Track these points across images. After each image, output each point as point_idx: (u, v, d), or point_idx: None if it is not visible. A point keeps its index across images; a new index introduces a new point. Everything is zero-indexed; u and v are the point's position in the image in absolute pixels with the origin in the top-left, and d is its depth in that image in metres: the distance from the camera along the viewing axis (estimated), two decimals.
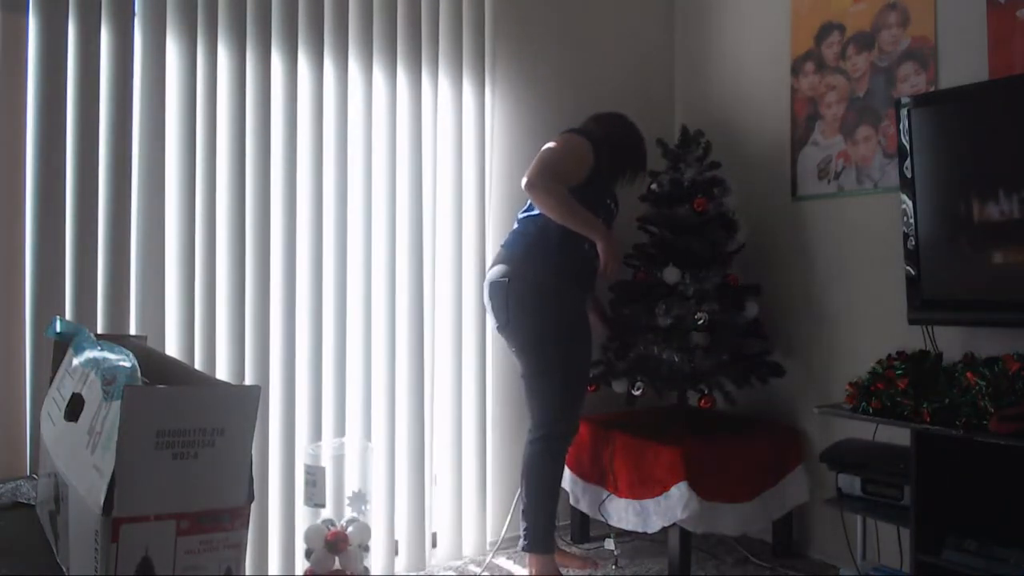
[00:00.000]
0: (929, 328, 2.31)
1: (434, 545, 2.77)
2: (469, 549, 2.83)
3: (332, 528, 2.26)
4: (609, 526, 2.73)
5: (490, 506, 2.88)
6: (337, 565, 2.23)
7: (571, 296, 2.55)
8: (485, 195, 2.87)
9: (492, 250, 2.88)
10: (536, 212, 2.53)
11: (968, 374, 1.99)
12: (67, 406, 0.97)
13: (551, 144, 2.55)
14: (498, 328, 2.58)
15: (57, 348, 1.15)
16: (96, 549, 0.77)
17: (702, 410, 2.70)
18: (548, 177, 2.45)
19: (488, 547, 2.84)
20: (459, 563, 2.78)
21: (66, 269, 2.12)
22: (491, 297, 2.56)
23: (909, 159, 2.28)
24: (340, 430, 2.54)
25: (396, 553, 2.66)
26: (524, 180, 2.44)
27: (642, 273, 2.81)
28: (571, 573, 2.69)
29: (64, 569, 0.89)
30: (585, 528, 2.98)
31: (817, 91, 2.83)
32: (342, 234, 2.55)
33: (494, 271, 2.56)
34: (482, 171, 2.86)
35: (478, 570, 2.73)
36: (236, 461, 0.84)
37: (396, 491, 2.64)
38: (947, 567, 2.02)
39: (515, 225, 2.63)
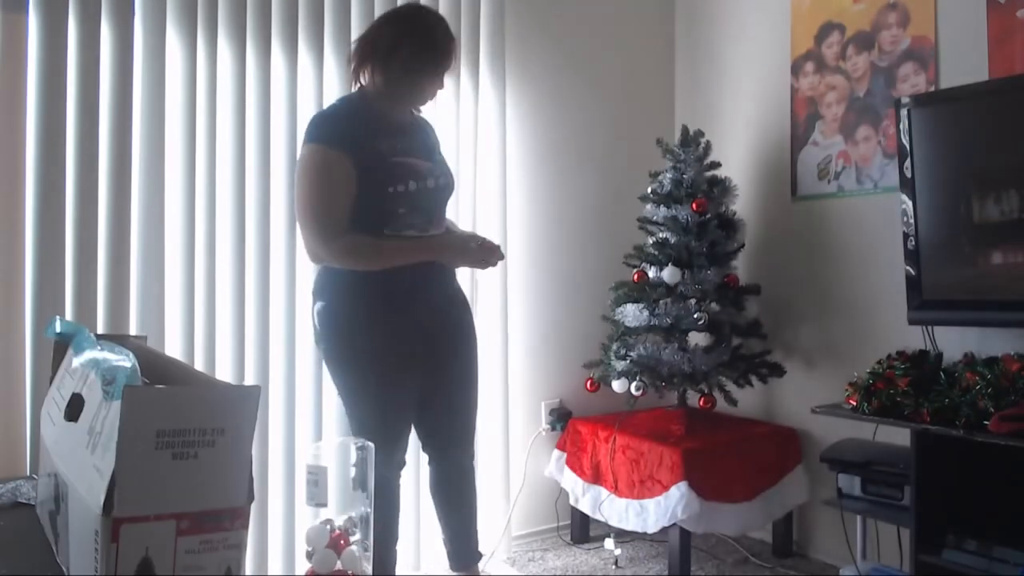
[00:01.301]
0: (929, 328, 2.31)
1: (420, 548, 2.77)
2: None
3: (334, 530, 2.26)
4: (609, 526, 2.73)
5: (486, 506, 2.88)
6: (339, 565, 2.23)
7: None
8: (487, 195, 2.86)
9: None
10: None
11: (968, 374, 1.99)
12: (67, 406, 0.97)
13: (298, 173, 1.94)
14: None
15: (57, 348, 1.14)
16: (96, 549, 0.77)
17: (702, 410, 2.70)
18: (326, 234, 1.86)
19: (491, 546, 2.84)
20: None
21: (66, 269, 2.12)
22: None
23: (909, 159, 2.28)
24: (339, 430, 2.53)
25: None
26: (310, 255, 1.96)
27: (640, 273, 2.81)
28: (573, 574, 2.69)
29: (64, 569, 0.89)
30: (585, 528, 2.98)
31: (817, 91, 2.83)
32: None
33: None
34: (483, 171, 2.85)
35: (479, 569, 2.73)
36: (236, 461, 0.84)
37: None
38: (947, 567, 2.02)
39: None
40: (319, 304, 2.00)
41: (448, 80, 2.77)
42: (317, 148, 1.87)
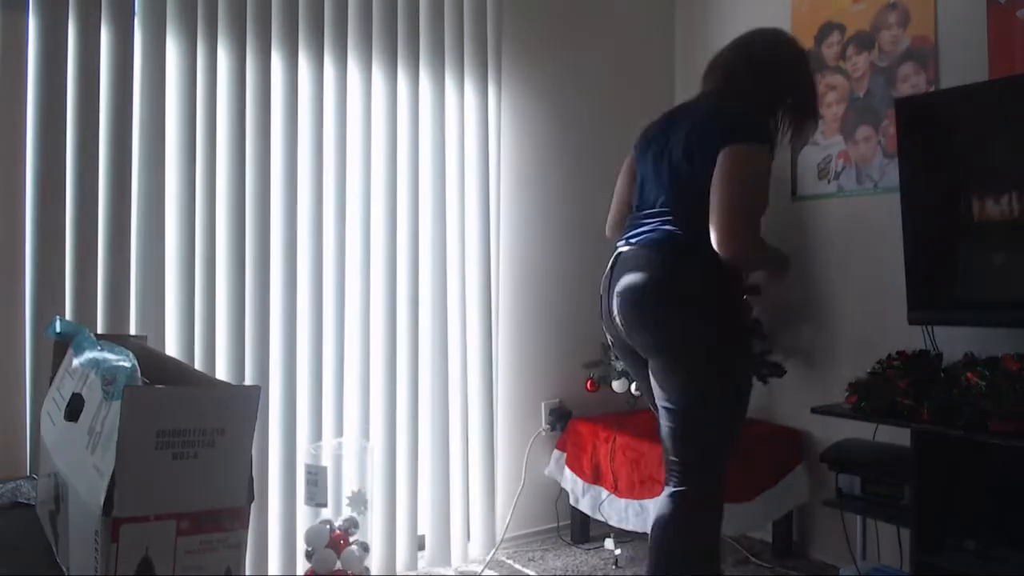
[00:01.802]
0: (929, 328, 2.30)
1: (420, 548, 2.77)
2: (468, 550, 2.83)
3: (334, 530, 2.26)
4: (609, 526, 2.73)
5: (486, 506, 2.88)
6: (339, 565, 2.23)
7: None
8: (488, 196, 2.86)
9: (493, 249, 2.88)
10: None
11: (968, 374, 1.99)
12: (67, 406, 0.97)
13: (727, 172, 1.80)
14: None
15: (57, 348, 1.14)
16: (96, 549, 0.77)
17: None
18: (756, 228, 1.82)
19: (491, 546, 2.84)
20: (457, 564, 2.78)
21: (66, 269, 2.12)
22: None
23: (909, 159, 2.28)
24: (339, 430, 2.54)
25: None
26: (728, 247, 1.77)
27: None
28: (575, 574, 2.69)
29: (64, 569, 0.89)
30: (585, 528, 2.98)
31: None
32: (342, 234, 2.55)
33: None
34: (484, 171, 2.85)
35: (479, 569, 2.73)
36: (236, 461, 0.84)
37: (396, 491, 2.64)
38: (947, 567, 2.01)
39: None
40: (698, 298, 1.85)
41: (448, 80, 2.79)
42: (765, 149, 1.85)
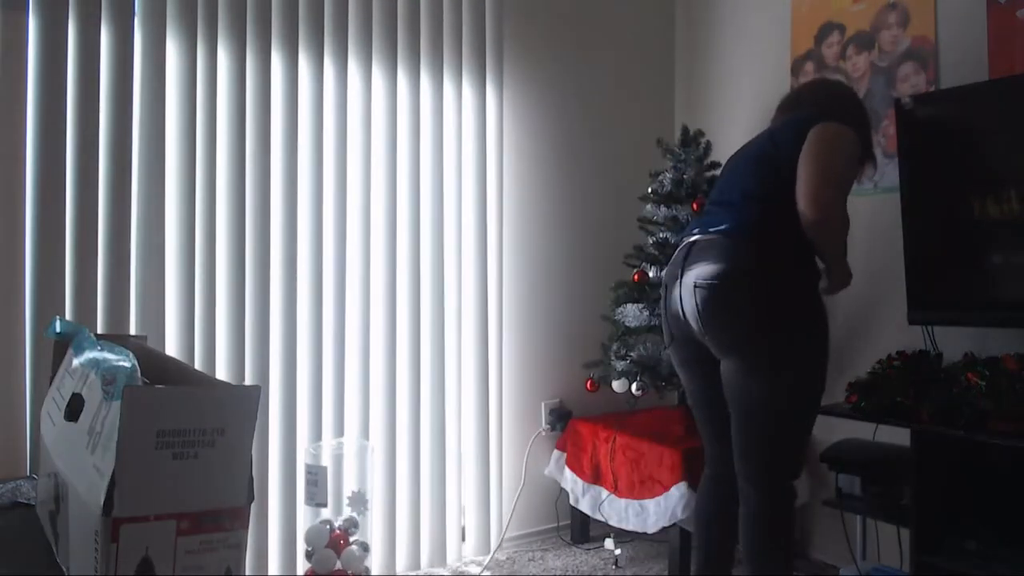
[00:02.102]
0: (929, 328, 2.31)
1: (420, 548, 2.77)
2: (468, 550, 2.83)
3: (334, 530, 2.26)
4: (609, 526, 2.73)
5: (486, 506, 2.88)
6: (339, 565, 2.23)
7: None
8: (488, 196, 2.86)
9: (491, 250, 2.88)
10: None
11: (968, 374, 1.99)
12: (67, 406, 0.97)
13: (818, 142, 1.83)
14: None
15: (57, 348, 1.14)
16: (96, 549, 0.77)
17: None
18: (842, 201, 1.83)
19: (491, 546, 2.84)
20: (457, 563, 2.78)
21: (66, 269, 2.12)
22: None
23: (909, 159, 2.28)
24: (339, 430, 2.54)
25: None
26: (816, 210, 1.76)
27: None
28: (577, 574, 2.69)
29: (64, 569, 0.89)
30: (585, 528, 2.98)
31: None
32: (342, 234, 2.55)
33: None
34: (484, 171, 2.86)
35: (479, 569, 2.73)
36: (236, 461, 0.84)
37: (396, 491, 2.64)
38: (947, 567, 2.01)
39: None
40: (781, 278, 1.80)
41: (448, 81, 2.79)
42: (853, 132, 1.87)
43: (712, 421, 2.01)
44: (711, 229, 1.88)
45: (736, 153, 2.07)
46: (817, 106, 2.01)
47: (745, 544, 1.93)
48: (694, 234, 1.93)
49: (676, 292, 1.91)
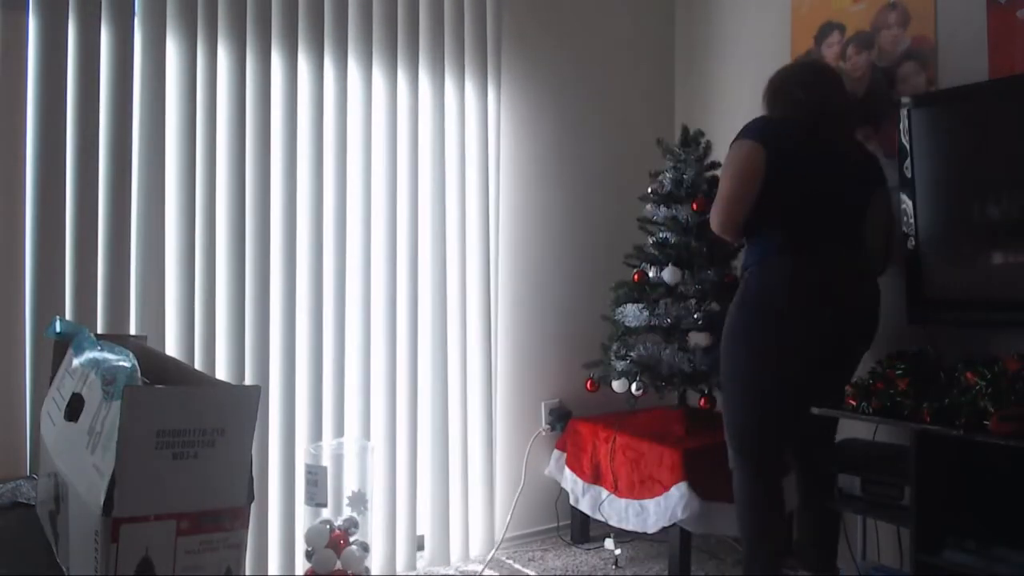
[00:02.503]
0: (929, 328, 2.30)
1: (420, 548, 2.77)
2: (468, 549, 2.83)
3: (334, 529, 2.26)
4: (609, 526, 2.73)
5: (486, 506, 2.88)
6: (339, 565, 2.23)
7: None
8: (488, 196, 2.86)
9: (491, 250, 2.88)
10: None
11: (968, 374, 1.99)
12: (67, 406, 0.97)
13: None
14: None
15: (57, 348, 1.14)
16: (96, 549, 0.77)
17: (702, 410, 2.70)
18: (722, 209, 2.21)
19: (491, 546, 2.84)
20: (457, 563, 2.78)
21: (66, 269, 2.12)
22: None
23: (909, 159, 2.28)
24: (339, 430, 2.54)
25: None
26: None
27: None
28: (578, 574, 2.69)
29: (64, 569, 0.89)
30: (585, 528, 2.98)
31: None
32: (341, 234, 2.55)
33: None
34: (484, 171, 2.86)
35: (479, 568, 2.73)
36: (236, 461, 0.84)
37: (396, 491, 2.64)
38: (947, 567, 2.01)
39: None
40: None
41: (448, 80, 2.79)
42: (741, 142, 2.24)
43: None
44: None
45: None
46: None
47: None
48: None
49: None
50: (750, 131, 2.20)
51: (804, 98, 2.24)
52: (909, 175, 2.28)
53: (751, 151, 2.16)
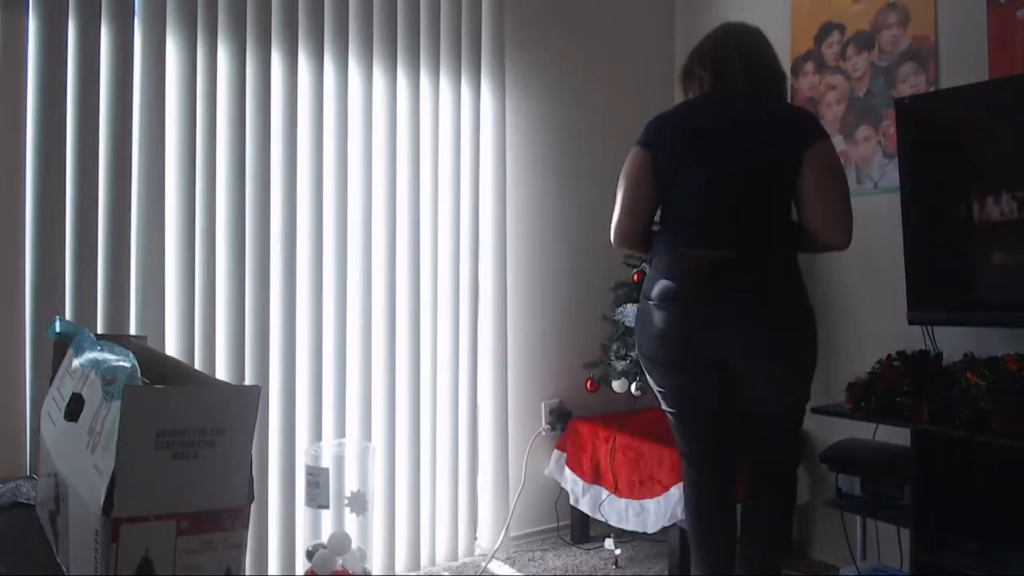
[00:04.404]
0: (929, 328, 2.30)
1: (420, 548, 2.77)
2: (469, 549, 2.83)
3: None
4: (609, 526, 2.73)
5: (486, 506, 2.88)
6: (339, 565, 2.23)
7: None
8: (488, 196, 2.86)
9: (492, 250, 2.88)
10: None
11: (968, 374, 1.99)
12: (67, 406, 0.97)
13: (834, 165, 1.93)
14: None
15: (57, 348, 1.14)
16: (96, 549, 0.77)
17: None
18: (612, 235, 2.10)
19: (491, 545, 2.84)
20: (457, 564, 2.78)
21: (66, 269, 2.12)
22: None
23: (909, 159, 2.28)
24: (340, 430, 2.54)
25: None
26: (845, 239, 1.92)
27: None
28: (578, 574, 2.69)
29: (64, 569, 0.89)
30: (585, 528, 2.98)
31: (817, 91, 2.83)
32: (342, 234, 2.55)
33: None
34: (484, 172, 2.85)
35: (479, 568, 2.73)
36: (236, 461, 0.84)
37: (396, 491, 2.64)
38: (947, 567, 2.01)
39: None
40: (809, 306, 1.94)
41: (448, 83, 2.79)
42: (633, 149, 2.11)
43: None
44: None
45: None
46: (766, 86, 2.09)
47: None
48: None
49: None
50: (643, 135, 2.06)
51: (700, 72, 2.06)
52: (909, 175, 2.28)
53: (638, 158, 2.02)
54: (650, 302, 1.96)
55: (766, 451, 2.03)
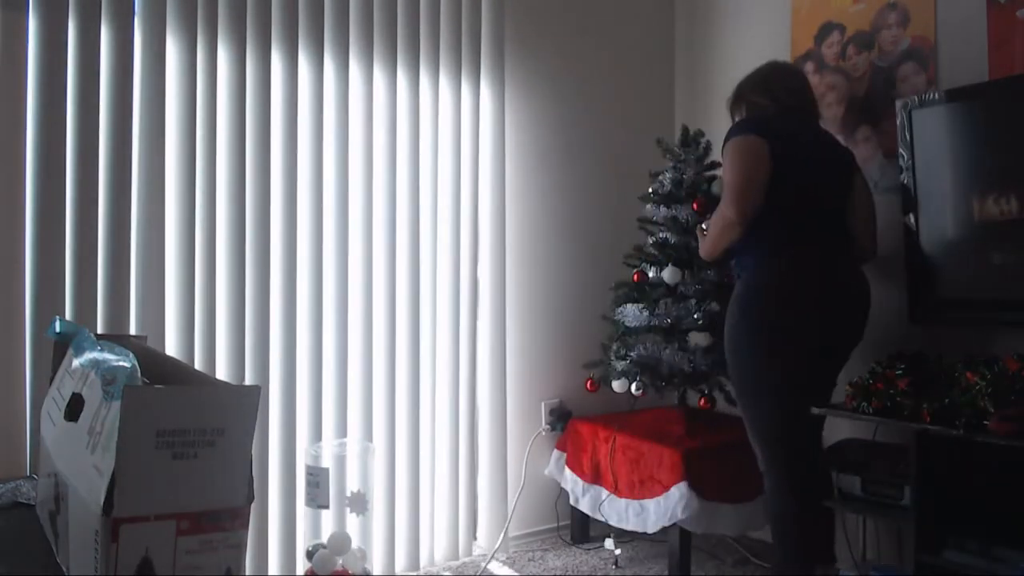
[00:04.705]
0: (929, 328, 2.30)
1: (420, 548, 2.77)
2: (467, 549, 2.83)
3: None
4: (609, 526, 2.73)
5: (486, 506, 2.88)
6: (339, 565, 2.23)
7: None
8: (488, 196, 2.86)
9: (492, 250, 2.88)
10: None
11: (968, 374, 1.99)
12: (67, 406, 0.97)
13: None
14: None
15: (57, 348, 1.14)
16: (96, 549, 0.77)
17: (702, 410, 2.70)
18: (729, 201, 2.18)
19: (491, 546, 2.84)
20: (457, 564, 2.78)
21: (66, 269, 2.12)
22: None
23: (909, 159, 2.28)
24: (340, 430, 2.54)
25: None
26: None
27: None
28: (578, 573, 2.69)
29: (64, 569, 0.89)
30: (585, 528, 2.98)
31: (817, 91, 2.82)
32: (342, 234, 2.55)
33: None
34: (484, 171, 2.85)
35: (479, 568, 2.73)
36: (236, 461, 0.84)
37: (396, 491, 2.64)
38: (947, 567, 2.01)
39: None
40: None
41: (448, 82, 2.79)
42: (735, 140, 2.26)
43: None
44: None
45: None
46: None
47: None
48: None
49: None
50: (748, 127, 2.22)
51: (784, 96, 2.30)
52: (909, 175, 2.28)
53: (755, 143, 2.16)
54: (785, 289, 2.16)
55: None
